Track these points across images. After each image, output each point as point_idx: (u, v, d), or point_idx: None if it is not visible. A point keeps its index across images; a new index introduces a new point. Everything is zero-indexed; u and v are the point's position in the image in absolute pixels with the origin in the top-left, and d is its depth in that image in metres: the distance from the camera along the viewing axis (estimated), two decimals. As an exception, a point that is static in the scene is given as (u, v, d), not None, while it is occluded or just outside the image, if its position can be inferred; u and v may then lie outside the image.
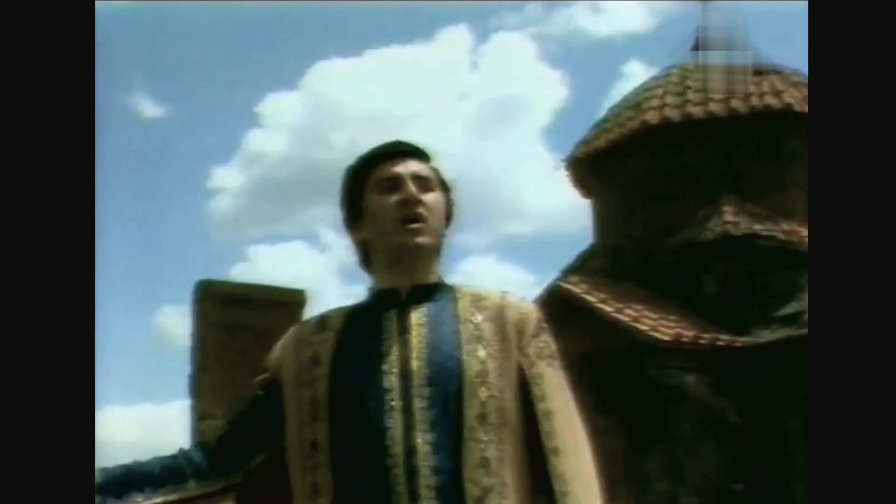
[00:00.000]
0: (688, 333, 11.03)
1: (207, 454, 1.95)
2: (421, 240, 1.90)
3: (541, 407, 1.86)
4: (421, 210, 1.90)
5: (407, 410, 1.79)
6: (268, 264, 36.51)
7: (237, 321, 11.16)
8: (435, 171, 1.99)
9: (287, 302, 11.29)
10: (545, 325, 1.96)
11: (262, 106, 50.41)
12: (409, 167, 1.95)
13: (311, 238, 46.43)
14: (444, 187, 1.99)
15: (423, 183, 1.94)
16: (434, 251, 1.96)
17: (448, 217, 1.99)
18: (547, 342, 1.93)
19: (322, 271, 39.86)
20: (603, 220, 13.91)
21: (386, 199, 1.92)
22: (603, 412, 9.91)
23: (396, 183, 1.92)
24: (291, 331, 1.99)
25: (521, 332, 1.90)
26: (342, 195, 2.01)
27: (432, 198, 1.94)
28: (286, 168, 39.63)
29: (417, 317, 1.89)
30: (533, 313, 1.95)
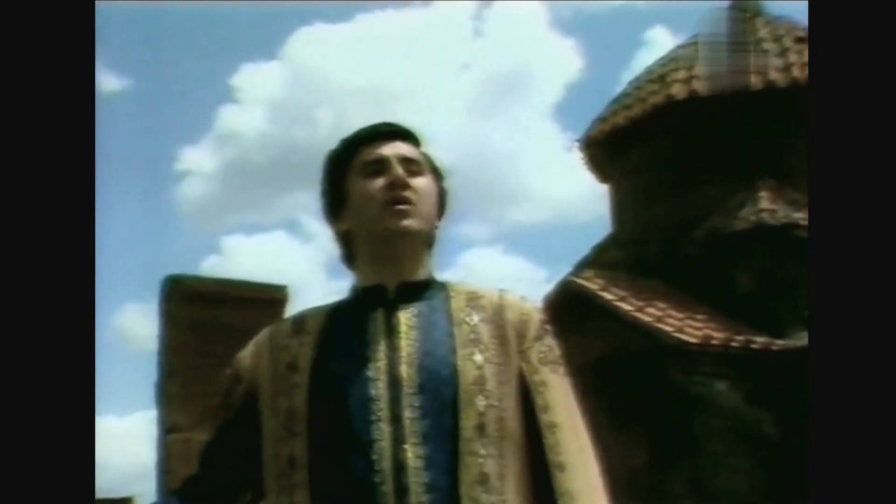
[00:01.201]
0: (718, 335, 11.06)
1: (187, 499, 1.95)
2: (409, 223, 1.91)
3: (544, 418, 1.88)
4: (409, 194, 1.92)
5: (396, 421, 1.80)
6: (244, 257, 36.62)
7: (210, 321, 11.16)
8: (425, 155, 2.01)
9: (266, 299, 11.30)
10: (548, 328, 1.98)
11: (237, 78, 50.61)
12: (397, 149, 1.96)
13: (293, 227, 46.66)
14: (437, 174, 2.01)
15: (412, 166, 1.95)
16: (424, 242, 1.97)
17: (440, 208, 2.00)
18: (550, 346, 1.95)
19: (305, 265, 40.00)
20: (622, 208, 13.93)
21: (370, 183, 1.93)
22: (621, 424, 9.94)
23: (382, 166, 1.94)
24: (264, 333, 1.99)
25: (521, 336, 1.92)
26: (323, 182, 2.02)
27: (422, 182, 1.95)
28: (264, 149, 39.72)
29: (407, 317, 1.90)
30: (535, 314, 1.97)
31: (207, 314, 11.30)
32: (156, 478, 11.41)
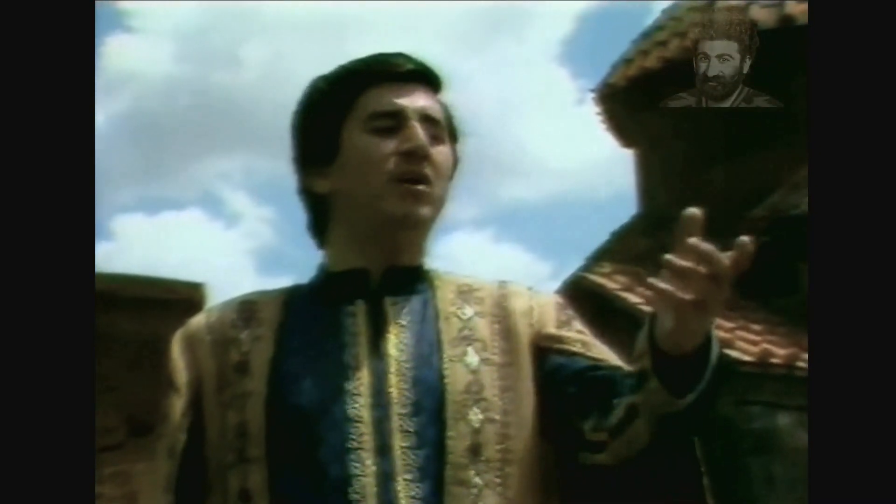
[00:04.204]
0: (780, 351, 11.12)
1: None
2: (422, 211, 1.92)
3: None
4: (428, 170, 1.92)
5: (383, 451, 1.82)
6: (144, 244, 36.43)
7: (102, 331, 11.17)
8: (445, 109, 2.02)
9: (176, 301, 11.15)
10: (573, 313, 2.02)
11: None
12: (417, 101, 1.97)
13: (211, 204, 46.47)
14: (453, 136, 2.02)
15: (434, 129, 1.96)
16: (430, 226, 1.98)
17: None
18: (583, 332, 1.98)
19: (228, 255, 39.83)
20: (651, 181, 13.98)
21: (379, 143, 1.93)
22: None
23: (399, 122, 1.94)
24: (199, 322, 1.99)
25: (539, 324, 1.96)
26: (301, 121, 2.01)
27: (442, 153, 1.96)
28: (171, 98, 39.52)
29: (396, 313, 1.93)
30: (552, 299, 2.03)
31: (99, 321, 11.28)
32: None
